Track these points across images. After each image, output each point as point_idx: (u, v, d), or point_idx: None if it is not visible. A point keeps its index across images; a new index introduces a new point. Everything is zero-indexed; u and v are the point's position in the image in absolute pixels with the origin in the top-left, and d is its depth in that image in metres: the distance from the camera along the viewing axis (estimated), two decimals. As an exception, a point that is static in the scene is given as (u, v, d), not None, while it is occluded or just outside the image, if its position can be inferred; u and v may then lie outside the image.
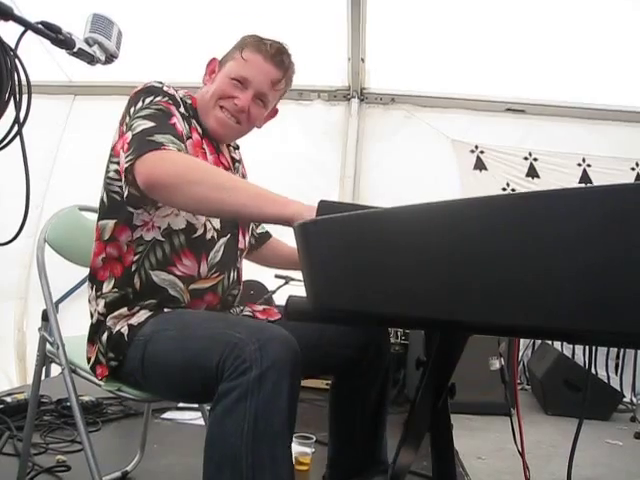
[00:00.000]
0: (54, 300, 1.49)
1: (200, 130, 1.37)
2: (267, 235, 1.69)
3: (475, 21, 3.29)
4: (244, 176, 1.59)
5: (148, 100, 1.25)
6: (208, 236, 1.34)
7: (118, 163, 1.27)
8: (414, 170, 3.79)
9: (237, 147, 1.58)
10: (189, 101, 1.38)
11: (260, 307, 1.51)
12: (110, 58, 1.10)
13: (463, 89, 3.76)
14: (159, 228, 1.29)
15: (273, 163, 3.76)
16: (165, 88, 1.30)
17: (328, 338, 1.39)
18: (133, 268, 1.30)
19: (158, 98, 1.25)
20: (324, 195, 3.53)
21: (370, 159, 3.94)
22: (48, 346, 1.45)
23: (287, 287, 2.80)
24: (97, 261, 1.34)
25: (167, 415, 2.48)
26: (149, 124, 1.18)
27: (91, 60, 1.05)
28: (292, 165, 3.83)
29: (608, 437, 2.91)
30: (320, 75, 3.81)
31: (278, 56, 1.37)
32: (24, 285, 3.85)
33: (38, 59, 2.53)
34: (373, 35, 3.46)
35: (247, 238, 1.50)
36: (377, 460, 1.46)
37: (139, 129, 1.17)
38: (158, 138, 1.14)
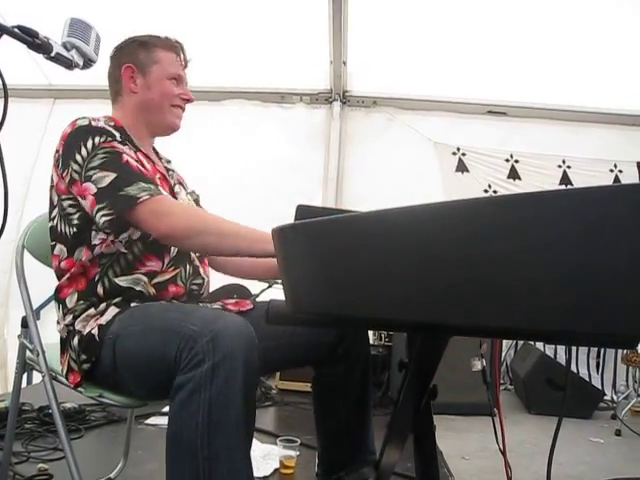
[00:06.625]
0: (35, 306, 1.48)
1: (133, 147, 1.43)
2: None
3: (456, 25, 3.31)
4: (181, 182, 1.64)
5: (90, 145, 1.30)
6: None
7: (70, 199, 1.34)
8: (396, 172, 3.80)
9: (169, 161, 1.65)
10: (112, 123, 1.41)
11: (232, 300, 1.52)
12: (88, 62, 1.09)
13: (445, 92, 3.78)
14: (121, 242, 1.34)
15: (256, 167, 3.77)
16: (94, 124, 1.35)
17: (303, 329, 1.43)
18: (96, 278, 1.34)
19: (97, 139, 1.31)
20: (307, 198, 3.57)
21: (353, 162, 3.94)
22: (28, 353, 1.44)
23: (271, 290, 2.79)
24: (63, 281, 1.38)
25: (151, 420, 2.46)
26: (111, 175, 1.27)
27: (69, 65, 1.04)
28: (275, 168, 3.83)
29: (590, 435, 2.95)
30: (302, 78, 3.82)
31: (175, 44, 1.53)
32: (5, 291, 3.79)
33: (18, 61, 2.50)
34: (355, 38, 3.47)
35: None
36: (365, 450, 1.49)
37: (104, 183, 1.26)
38: (130, 192, 1.25)
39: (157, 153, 1.61)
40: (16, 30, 0.95)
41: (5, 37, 0.93)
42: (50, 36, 1.01)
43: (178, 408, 1.05)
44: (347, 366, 1.46)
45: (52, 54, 1.00)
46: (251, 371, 1.07)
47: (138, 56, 1.47)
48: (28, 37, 0.96)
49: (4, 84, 0.88)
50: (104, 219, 1.25)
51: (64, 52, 1.02)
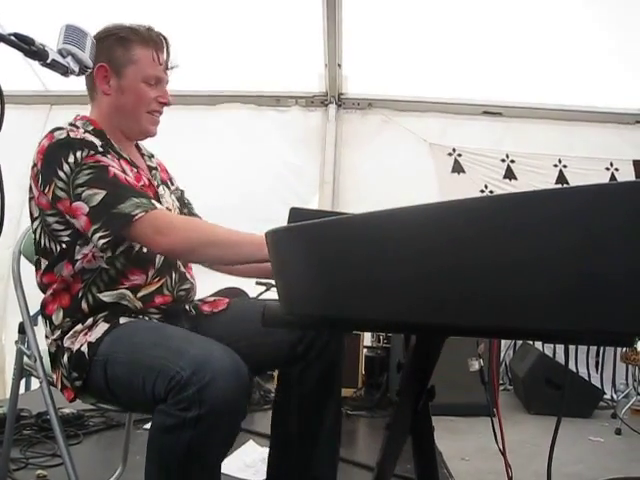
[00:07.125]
0: (32, 312, 1.48)
1: (115, 153, 1.37)
2: None
3: (451, 26, 3.32)
4: (165, 180, 1.57)
5: (72, 160, 1.24)
6: (145, 249, 1.34)
7: (56, 215, 1.30)
8: (392, 174, 3.80)
9: (152, 155, 1.58)
10: (90, 127, 1.37)
11: (211, 299, 1.50)
12: (84, 69, 1.09)
13: (440, 93, 3.79)
14: (102, 257, 1.30)
15: (252, 170, 3.77)
16: (72, 135, 1.28)
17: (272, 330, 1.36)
18: (80, 294, 1.31)
19: (78, 154, 1.25)
20: (304, 201, 3.57)
21: (349, 164, 3.95)
22: (26, 359, 1.44)
23: (268, 294, 2.79)
24: (47, 296, 1.36)
25: (149, 425, 2.45)
26: (101, 192, 1.22)
27: (65, 71, 1.04)
28: (271, 172, 3.83)
29: (590, 434, 2.95)
30: (297, 81, 3.83)
31: (155, 37, 1.41)
32: (2, 297, 3.78)
33: (14, 67, 2.51)
34: (349, 41, 3.48)
35: None
36: (307, 473, 1.38)
37: (95, 201, 1.22)
38: (123, 209, 1.21)
39: (140, 149, 1.54)
40: (12, 38, 0.94)
41: (1, 45, 0.93)
42: (46, 43, 1.01)
43: (159, 430, 1.09)
44: (304, 366, 1.36)
45: (48, 61, 1.00)
46: (236, 422, 1.09)
47: (114, 54, 1.36)
48: (24, 45, 0.95)
49: (1, 93, 0.88)
50: (102, 241, 1.22)
51: (60, 59, 1.02)
